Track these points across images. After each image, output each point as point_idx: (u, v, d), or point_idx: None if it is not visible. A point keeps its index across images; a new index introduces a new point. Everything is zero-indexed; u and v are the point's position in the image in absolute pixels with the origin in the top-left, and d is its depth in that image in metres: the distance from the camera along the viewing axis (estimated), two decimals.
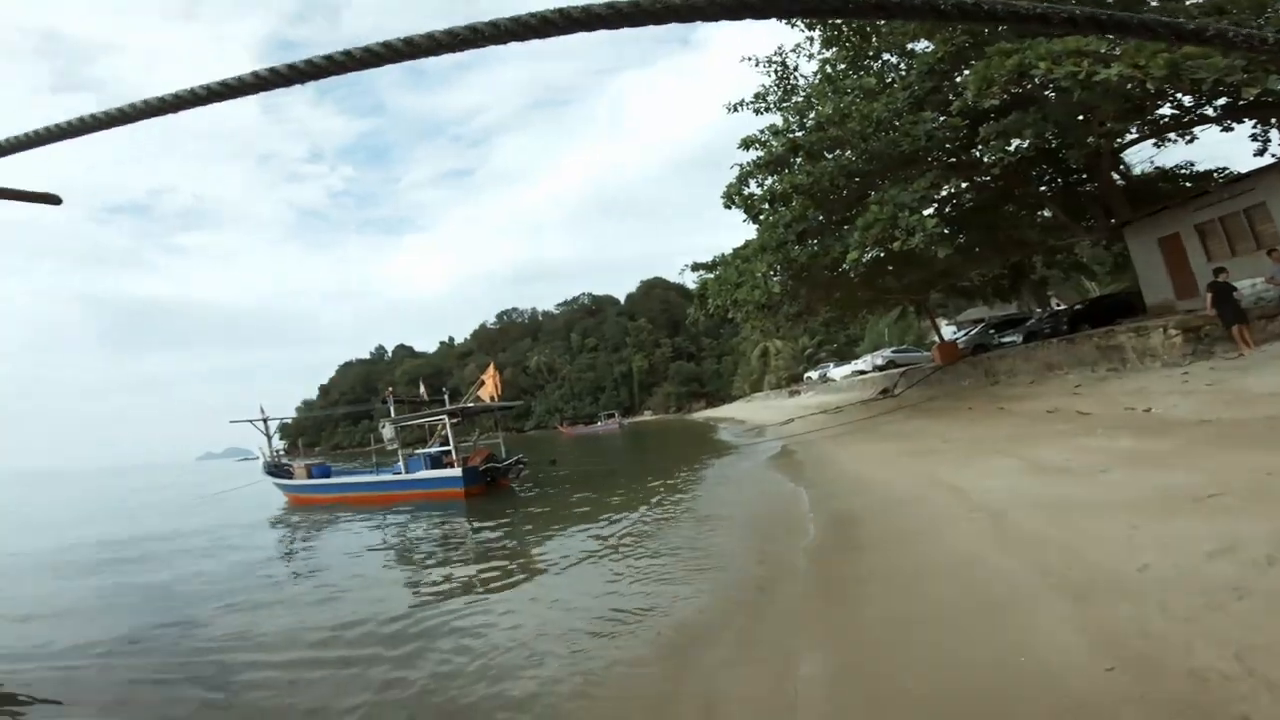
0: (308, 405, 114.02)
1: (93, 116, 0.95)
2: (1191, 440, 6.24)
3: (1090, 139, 13.63)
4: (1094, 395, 10.58)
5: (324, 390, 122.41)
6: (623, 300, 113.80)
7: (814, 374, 49.65)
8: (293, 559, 10.26)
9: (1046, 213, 18.40)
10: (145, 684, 4.64)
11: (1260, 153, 15.37)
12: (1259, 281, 11.47)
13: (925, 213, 12.89)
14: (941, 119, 13.50)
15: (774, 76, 17.29)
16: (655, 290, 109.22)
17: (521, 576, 7.21)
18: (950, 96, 13.77)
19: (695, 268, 19.49)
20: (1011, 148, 13.07)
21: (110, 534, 14.14)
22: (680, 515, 9.61)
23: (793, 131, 15.38)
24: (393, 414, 18.23)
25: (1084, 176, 17.57)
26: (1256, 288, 11.55)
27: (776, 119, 16.60)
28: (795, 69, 17.32)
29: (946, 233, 12.79)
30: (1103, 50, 10.14)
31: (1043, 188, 18.02)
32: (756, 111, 17.08)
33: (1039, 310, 26.01)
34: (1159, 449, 6.23)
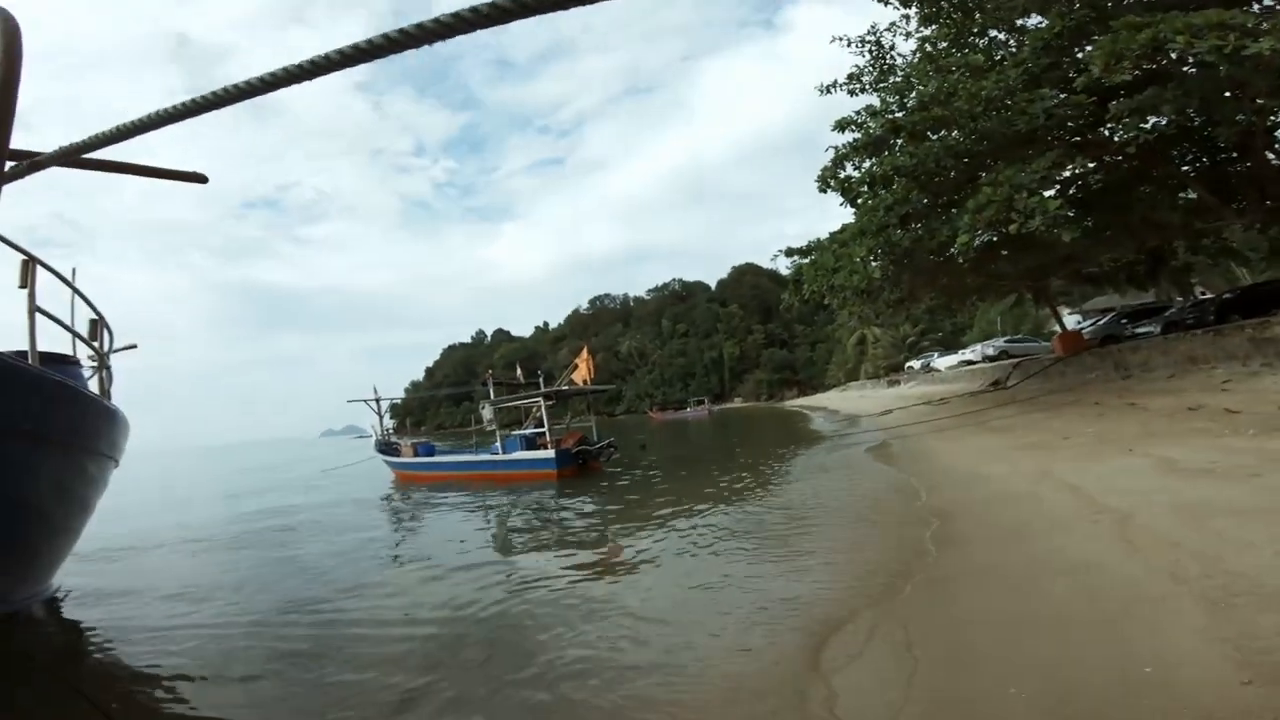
0: (414, 386, 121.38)
1: (203, 97, 1.12)
2: None
3: (1240, 116, 12.13)
4: (1245, 392, 9.50)
5: (429, 372, 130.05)
6: (713, 286, 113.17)
7: (916, 363, 47.31)
8: (403, 536, 10.96)
9: (1190, 194, 16.54)
10: (266, 650, 4.97)
11: None
12: None
13: (1047, 194, 11.94)
14: (1062, 96, 12.41)
15: (868, 56, 16.44)
16: (746, 276, 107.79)
17: (619, 562, 7.38)
18: (1071, 73, 12.64)
19: (789, 253, 19.02)
20: (1148, 125, 11.86)
21: (246, 509, 15.67)
22: (777, 504, 9.52)
23: (892, 112, 14.61)
24: (491, 396, 19.09)
25: (1234, 155, 15.65)
26: None
27: (873, 100, 15.81)
28: (892, 48, 16.40)
29: (1072, 215, 11.74)
30: (1250, 24, 9.03)
31: (1185, 167, 16.20)
32: (850, 93, 16.32)
33: (1180, 299, 23.54)
34: None
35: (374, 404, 22.18)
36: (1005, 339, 35.44)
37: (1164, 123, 11.99)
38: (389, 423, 22.84)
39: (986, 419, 14.73)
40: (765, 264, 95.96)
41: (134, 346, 6.96)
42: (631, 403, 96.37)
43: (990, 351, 32.93)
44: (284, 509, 14.85)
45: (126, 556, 9.31)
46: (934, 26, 15.40)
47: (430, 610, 5.61)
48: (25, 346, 4.40)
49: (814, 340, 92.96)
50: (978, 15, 14.77)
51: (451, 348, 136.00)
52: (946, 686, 3.19)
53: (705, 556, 6.71)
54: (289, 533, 11.17)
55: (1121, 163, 14.98)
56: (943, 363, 39.62)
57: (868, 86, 16.23)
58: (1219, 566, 3.66)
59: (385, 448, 21.63)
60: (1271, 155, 15.54)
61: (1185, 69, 11.39)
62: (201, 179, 4.09)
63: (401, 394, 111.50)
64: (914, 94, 14.43)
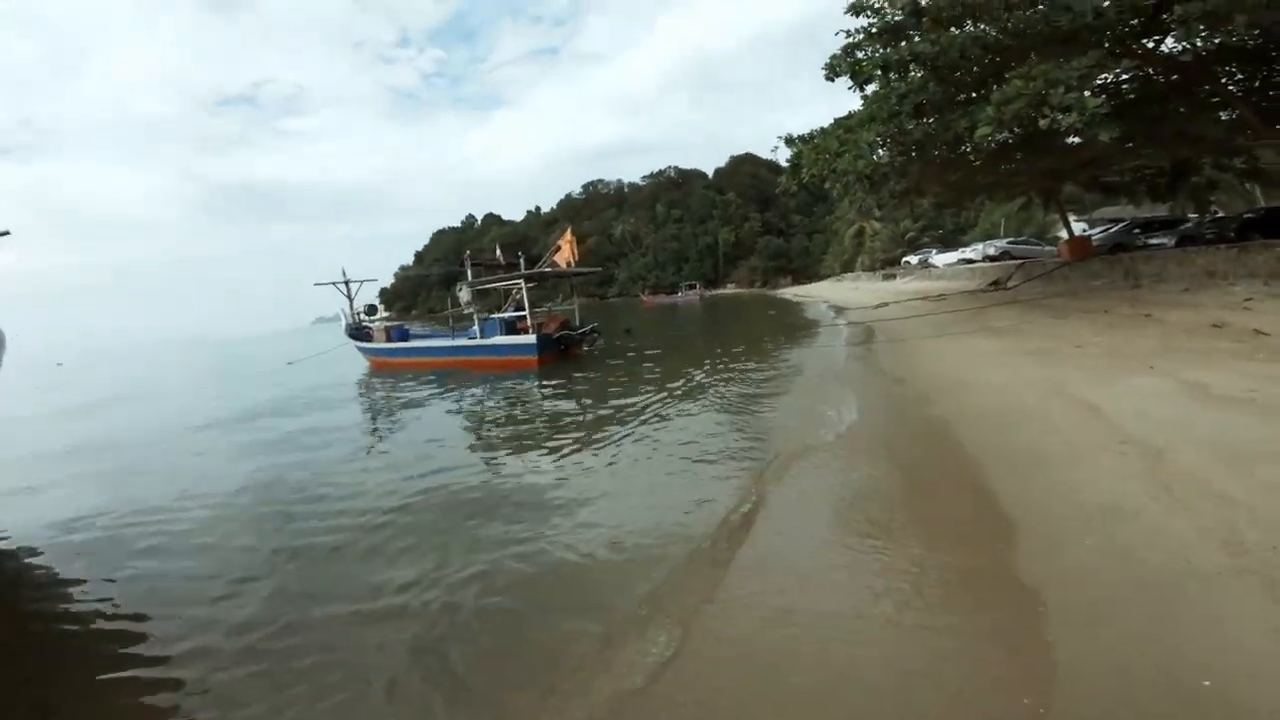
0: (404, 270, 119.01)
1: None
2: None
3: None
4: (1272, 313, 8.68)
5: (419, 256, 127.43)
6: (710, 175, 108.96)
7: (913, 259, 46.09)
8: (378, 434, 10.38)
9: (1232, 113, 15.09)
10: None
11: None
12: None
13: (1085, 92, 10.65)
14: None
15: None
16: (745, 166, 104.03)
17: (592, 455, 6.88)
18: None
19: (789, 141, 17.43)
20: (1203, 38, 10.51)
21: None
22: (753, 407, 8.97)
23: None
24: (469, 277, 18.12)
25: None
26: None
27: None
28: None
29: (1108, 113, 10.52)
30: None
31: (1231, 86, 14.80)
32: None
33: (1195, 215, 22.47)
34: None
35: (342, 286, 21.10)
36: (1007, 240, 34.14)
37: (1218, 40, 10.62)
38: (360, 305, 21.76)
39: (987, 320, 14.05)
40: (765, 155, 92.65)
41: (6, 233, 5.99)
42: (624, 285, 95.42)
43: (991, 251, 31.75)
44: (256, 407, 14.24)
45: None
46: None
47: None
48: None
49: (811, 230, 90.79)
50: None
51: (441, 231, 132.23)
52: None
53: (685, 457, 6.25)
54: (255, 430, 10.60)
55: (1160, 76, 13.97)
56: (941, 260, 38.49)
57: None
58: None
59: (356, 332, 20.81)
60: None
61: None
62: None
63: (391, 277, 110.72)
64: None
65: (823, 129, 16.46)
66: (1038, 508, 3.92)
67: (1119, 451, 4.42)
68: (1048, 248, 29.45)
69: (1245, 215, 17.61)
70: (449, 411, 11.37)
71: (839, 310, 27.31)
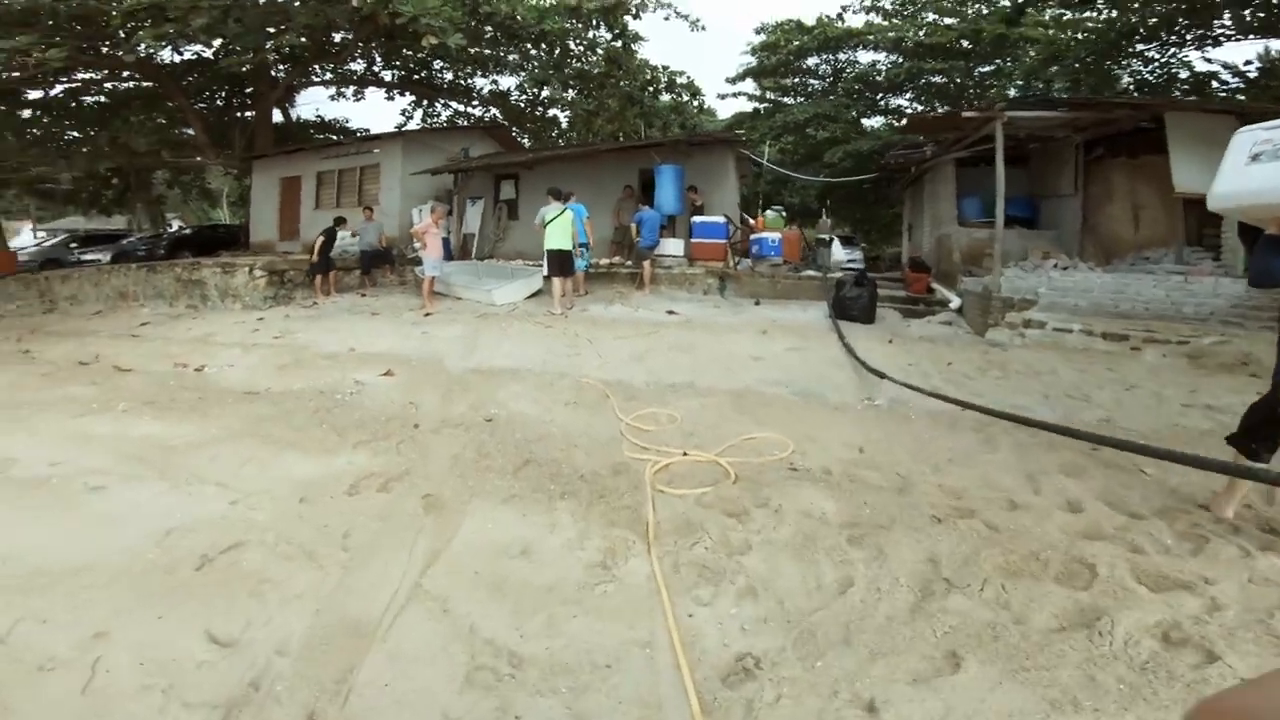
0: None
1: None
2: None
3: (275, 60, 13.52)
4: (160, 337, 8.64)
5: None
6: None
7: None
8: None
9: (187, 130, 16.60)
10: None
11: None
12: (348, 234, 12.04)
13: None
14: None
15: None
16: None
17: None
18: None
19: None
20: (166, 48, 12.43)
21: None
22: None
23: None
24: None
25: (246, 100, 17.00)
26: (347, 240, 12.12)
27: None
28: None
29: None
30: None
31: (200, 103, 16.38)
32: None
33: (145, 229, 22.23)
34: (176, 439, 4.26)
35: None
36: None
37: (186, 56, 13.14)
38: None
39: None
40: None
41: None
42: None
43: None
44: None
45: None
46: None
47: None
48: None
49: None
50: None
51: None
52: None
53: None
54: None
55: (128, 80, 14.93)
56: None
57: None
58: None
59: None
60: (279, 112, 17.44)
61: None
62: None
63: None
64: None
65: None
66: None
67: None
68: None
69: (182, 231, 18.65)
70: None
71: None
